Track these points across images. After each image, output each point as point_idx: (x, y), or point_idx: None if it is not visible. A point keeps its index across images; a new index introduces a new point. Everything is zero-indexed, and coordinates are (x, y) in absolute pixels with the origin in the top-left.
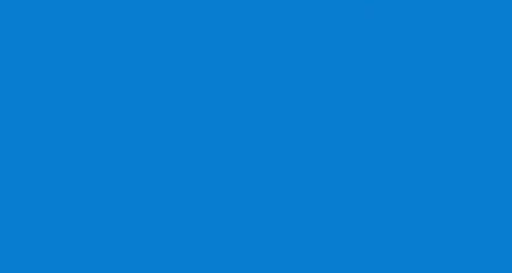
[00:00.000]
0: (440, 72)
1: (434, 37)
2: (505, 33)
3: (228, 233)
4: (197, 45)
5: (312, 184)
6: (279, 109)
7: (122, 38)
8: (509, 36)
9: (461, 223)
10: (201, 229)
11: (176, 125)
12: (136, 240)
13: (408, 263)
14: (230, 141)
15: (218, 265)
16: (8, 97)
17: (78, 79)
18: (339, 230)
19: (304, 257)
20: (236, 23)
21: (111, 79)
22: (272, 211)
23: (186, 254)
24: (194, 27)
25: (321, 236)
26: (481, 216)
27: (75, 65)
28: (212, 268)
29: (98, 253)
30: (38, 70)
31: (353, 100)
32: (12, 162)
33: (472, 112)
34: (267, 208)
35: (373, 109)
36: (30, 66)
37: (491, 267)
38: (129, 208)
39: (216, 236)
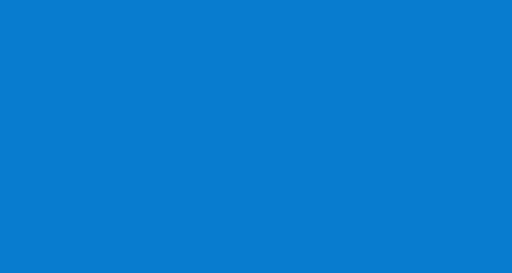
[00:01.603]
0: (440, 72)
1: (434, 37)
2: (505, 33)
3: (228, 233)
4: (197, 45)
5: (312, 184)
6: (279, 109)
7: (122, 38)
8: (510, 36)
9: (462, 223)
10: (201, 229)
11: (176, 125)
12: (136, 240)
13: (408, 263)
14: (230, 141)
15: (218, 265)
16: (8, 97)
17: (78, 79)
18: (339, 230)
19: (304, 257)
20: (236, 23)
21: (111, 79)
22: (272, 211)
23: (186, 254)
24: (194, 27)
25: (321, 236)
26: (481, 216)
27: (75, 65)
28: (212, 268)
29: (98, 253)
30: (38, 70)
31: (353, 100)
32: (12, 162)
33: (472, 112)
34: (267, 208)
35: (373, 109)
36: (30, 66)
37: (491, 267)
38: (129, 208)
39: (216, 236)
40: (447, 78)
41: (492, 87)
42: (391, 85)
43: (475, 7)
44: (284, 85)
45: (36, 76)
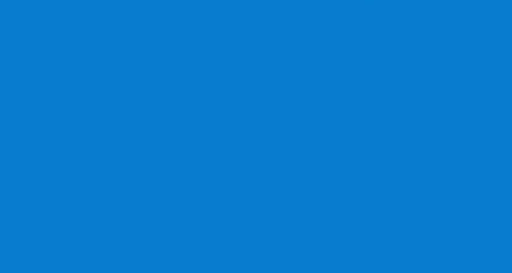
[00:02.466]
0: (440, 72)
1: (434, 37)
2: (505, 33)
3: (228, 233)
4: (197, 45)
5: (312, 184)
6: (279, 109)
7: (122, 38)
8: (510, 36)
9: (462, 223)
10: (201, 229)
11: (176, 125)
12: (136, 240)
13: (408, 263)
14: (230, 141)
15: (218, 265)
16: (8, 97)
17: (78, 79)
18: (339, 230)
19: (304, 257)
20: (236, 23)
21: (112, 79)
22: (272, 211)
23: (186, 254)
24: (194, 27)
25: (321, 236)
26: (481, 216)
27: (75, 65)
28: (212, 268)
29: (98, 253)
30: (38, 70)
31: (353, 100)
32: (12, 162)
33: (472, 112)
34: (267, 208)
35: (373, 109)
36: (30, 66)
37: (491, 267)
38: (129, 208)
39: (216, 236)
40: (447, 78)
41: (492, 87)
42: (391, 85)
43: (475, 7)
44: (284, 85)
45: (36, 76)
